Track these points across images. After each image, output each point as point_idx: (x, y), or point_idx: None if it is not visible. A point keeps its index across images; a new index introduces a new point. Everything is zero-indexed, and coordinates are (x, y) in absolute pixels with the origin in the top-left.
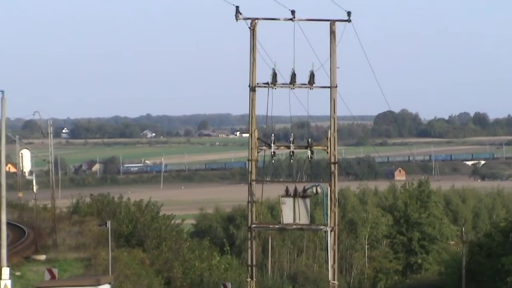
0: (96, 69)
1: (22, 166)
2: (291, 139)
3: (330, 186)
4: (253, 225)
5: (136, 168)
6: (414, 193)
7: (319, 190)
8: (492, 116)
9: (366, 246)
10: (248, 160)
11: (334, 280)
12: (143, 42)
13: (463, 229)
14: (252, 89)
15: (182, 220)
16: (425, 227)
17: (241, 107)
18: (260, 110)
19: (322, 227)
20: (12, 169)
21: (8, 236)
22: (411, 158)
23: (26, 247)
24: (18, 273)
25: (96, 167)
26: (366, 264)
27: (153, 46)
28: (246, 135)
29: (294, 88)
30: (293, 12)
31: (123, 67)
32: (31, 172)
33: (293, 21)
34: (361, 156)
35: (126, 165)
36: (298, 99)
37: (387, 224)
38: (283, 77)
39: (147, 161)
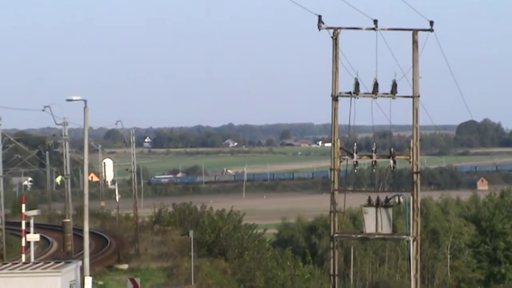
0: (176, 78)
1: (105, 175)
2: (374, 148)
3: (412, 195)
4: (335, 235)
5: (167, 180)
6: (497, 203)
7: (401, 199)
8: None
9: (448, 256)
10: (331, 169)
11: None
12: (225, 52)
13: None
14: (335, 98)
15: (264, 230)
16: (509, 237)
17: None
18: (342, 120)
19: (404, 236)
20: (95, 179)
21: (90, 245)
22: (493, 168)
23: (108, 256)
24: (100, 283)
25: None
26: (449, 273)
27: (235, 55)
28: (329, 144)
29: (376, 98)
30: (375, 21)
31: (205, 77)
32: (113, 182)
33: (375, 30)
34: (443, 166)
35: (156, 176)
36: (380, 108)
37: (470, 234)
38: (365, 86)
39: (229, 170)
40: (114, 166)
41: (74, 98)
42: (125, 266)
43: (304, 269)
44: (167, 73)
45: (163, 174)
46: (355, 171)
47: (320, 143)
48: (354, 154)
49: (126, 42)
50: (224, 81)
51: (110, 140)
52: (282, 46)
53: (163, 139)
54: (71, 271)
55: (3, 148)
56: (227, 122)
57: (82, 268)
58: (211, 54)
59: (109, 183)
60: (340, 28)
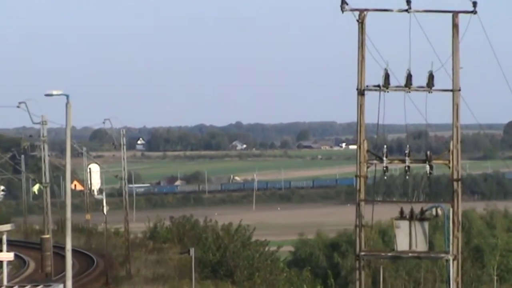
0: (176, 71)
1: (90, 183)
2: (407, 151)
3: (453, 207)
4: (362, 253)
5: (143, 189)
6: None
7: (439, 211)
8: None
9: (495, 278)
10: (356, 176)
11: None
12: (233, 42)
13: None
14: (361, 92)
15: (278, 247)
16: None
17: (348, 114)
18: (370, 118)
19: (442, 255)
20: (79, 187)
21: (73, 265)
22: None
23: (94, 278)
24: None
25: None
26: None
27: (244, 45)
28: (354, 147)
29: (410, 92)
30: (408, 1)
31: (208, 69)
32: (100, 191)
33: (408, 12)
34: (489, 172)
35: (130, 185)
36: (414, 104)
37: None
38: (397, 78)
39: (236, 178)
40: (101, 173)
41: (54, 92)
42: None
43: None
44: (163, 64)
45: (144, 183)
46: (385, 178)
47: (343, 145)
48: (384, 158)
49: (113, 28)
50: (231, 73)
51: (97, 142)
52: (298, 32)
53: (159, 141)
54: None
55: None
56: (234, 121)
57: None
58: (215, 43)
59: (95, 193)
60: (367, 9)
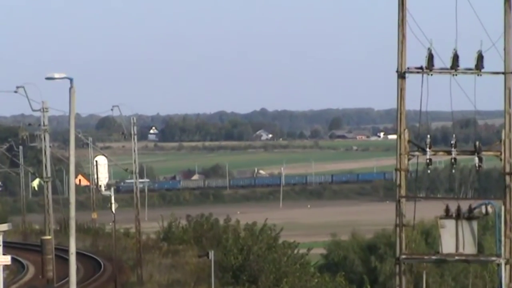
0: (193, 51)
1: (97, 178)
2: (453, 141)
3: (505, 204)
4: (403, 256)
5: (141, 185)
6: None
7: (489, 209)
8: None
9: None
10: (396, 169)
11: None
12: (257, 19)
13: None
14: (401, 75)
15: (308, 249)
16: None
17: (386, 100)
18: (411, 104)
19: (493, 258)
20: (84, 182)
21: (78, 270)
22: None
23: (101, 285)
24: None
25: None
26: None
27: (269, 24)
28: (393, 136)
29: (456, 74)
30: None
31: (229, 49)
32: (108, 186)
33: None
34: None
35: (127, 181)
36: (461, 88)
37: None
38: (442, 59)
39: (261, 171)
40: (109, 166)
41: (56, 75)
42: None
43: None
44: (178, 44)
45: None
46: (429, 171)
47: (381, 134)
48: (427, 150)
49: (123, 7)
50: (254, 54)
51: (104, 131)
52: (331, 6)
53: (174, 130)
54: None
55: None
56: (259, 108)
57: None
58: (237, 20)
59: (102, 188)
60: None
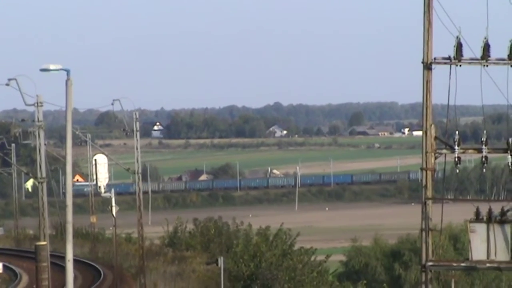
0: (201, 41)
1: (96, 178)
2: (483, 138)
3: None
4: (429, 263)
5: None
6: None
7: None
8: None
9: None
10: (422, 169)
11: None
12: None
13: None
14: (427, 66)
15: (326, 256)
16: None
17: (411, 93)
18: (438, 98)
19: None
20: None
21: (75, 279)
22: None
23: None
24: None
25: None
26: None
27: (284, 13)
28: (419, 133)
29: (487, 65)
30: None
31: (240, 39)
32: (108, 187)
33: None
34: None
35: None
36: (493, 80)
37: None
38: (471, 49)
39: (275, 171)
40: (109, 165)
41: (51, 67)
42: None
43: None
44: (184, 34)
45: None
46: (457, 171)
47: (406, 131)
48: (456, 147)
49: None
50: (268, 45)
51: (104, 127)
52: None
53: (180, 126)
54: None
55: None
56: (273, 102)
57: None
58: (250, 12)
59: (102, 190)
60: None
